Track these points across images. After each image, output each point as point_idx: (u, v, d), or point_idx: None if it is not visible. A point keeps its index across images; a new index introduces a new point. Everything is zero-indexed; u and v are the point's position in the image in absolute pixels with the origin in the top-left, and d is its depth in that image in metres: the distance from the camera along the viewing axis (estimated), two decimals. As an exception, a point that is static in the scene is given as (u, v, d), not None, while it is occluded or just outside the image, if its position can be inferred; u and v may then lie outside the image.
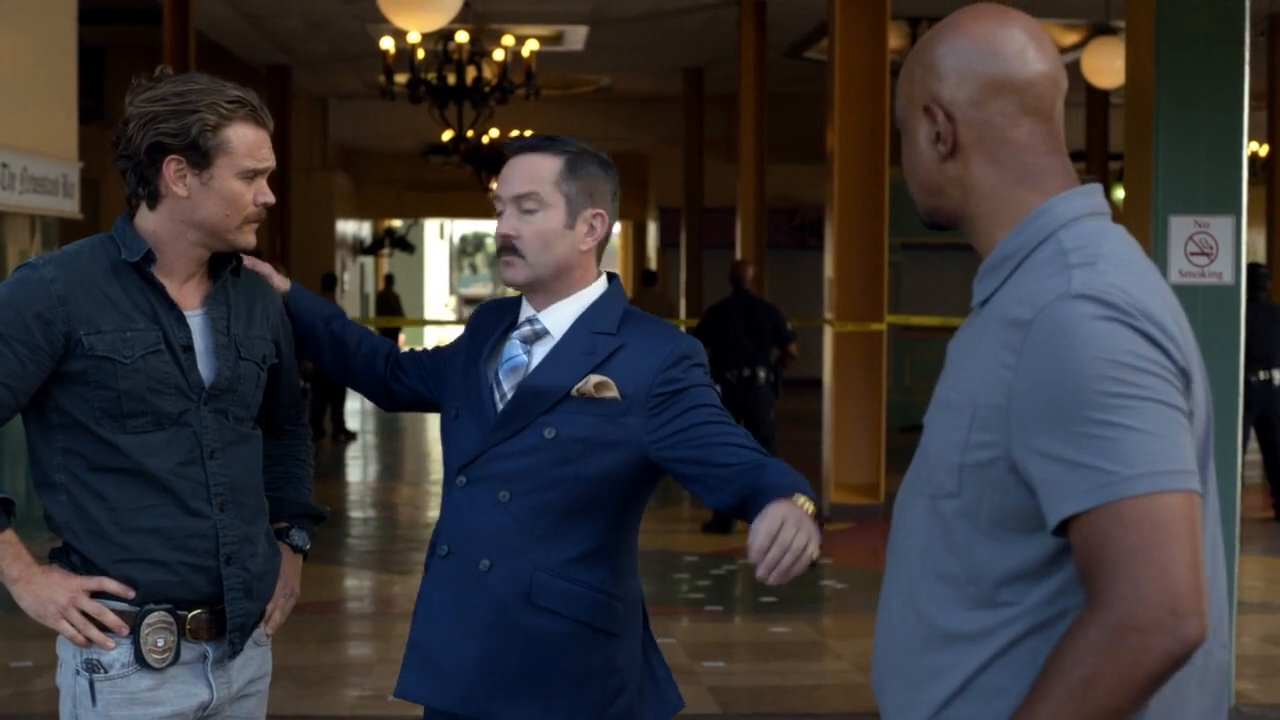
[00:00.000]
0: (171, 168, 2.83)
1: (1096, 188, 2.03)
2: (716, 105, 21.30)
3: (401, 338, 27.51)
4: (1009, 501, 1.89)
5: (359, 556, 10.37)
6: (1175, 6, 6.32)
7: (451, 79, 15.92)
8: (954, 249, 18.77)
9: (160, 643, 2.85)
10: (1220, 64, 6.28)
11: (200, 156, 2.82)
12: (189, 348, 2.87)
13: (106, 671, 2.84)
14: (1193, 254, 6.24)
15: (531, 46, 15.84)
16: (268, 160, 2.89)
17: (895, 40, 15.25)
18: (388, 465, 16.38)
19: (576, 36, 17.81)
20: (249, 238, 2.92)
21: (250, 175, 2.86)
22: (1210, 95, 6.27)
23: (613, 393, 2.85)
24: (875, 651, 2.11)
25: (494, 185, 20.94)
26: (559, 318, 2.95)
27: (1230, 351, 6.32)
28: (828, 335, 11.51)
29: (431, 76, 15.85)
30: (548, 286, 2.96)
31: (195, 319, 2.90)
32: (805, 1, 15.13)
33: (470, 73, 15.90)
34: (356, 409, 21.00)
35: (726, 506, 2.78)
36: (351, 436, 17.48)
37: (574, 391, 2.86)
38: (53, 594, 2.83)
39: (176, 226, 2.87)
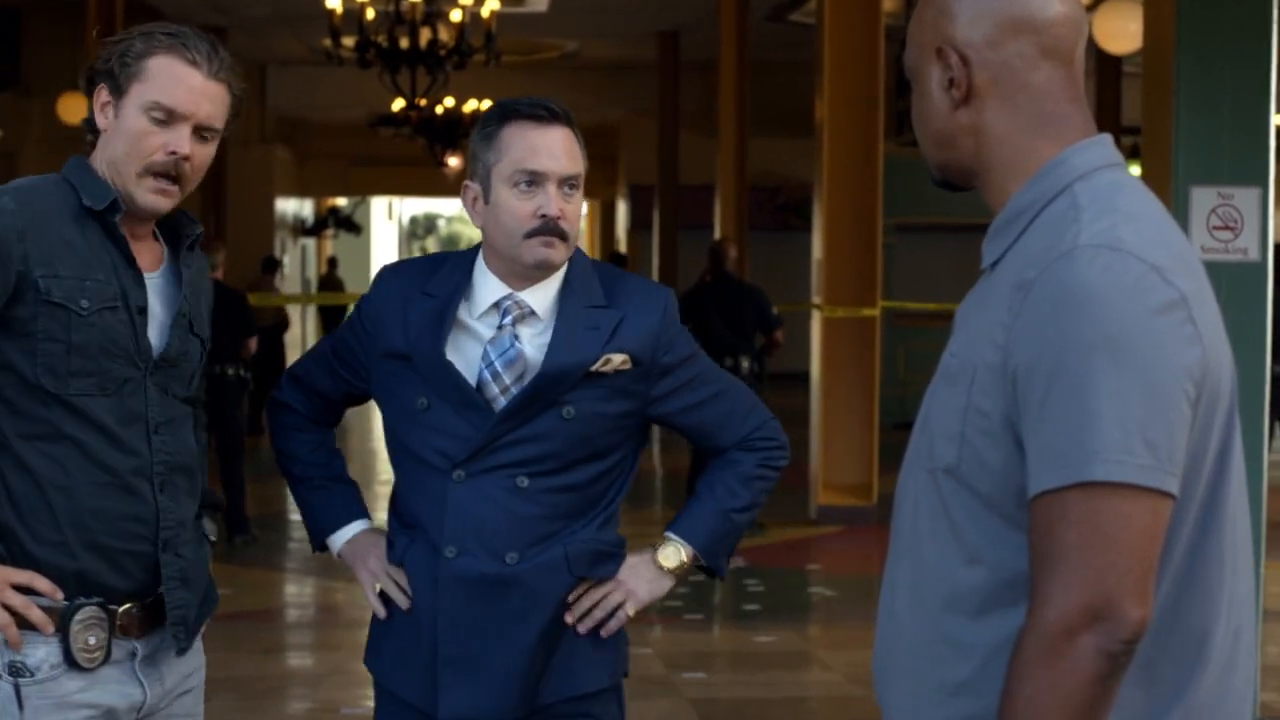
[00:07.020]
0: (100, 96, 2.82)
1: (1108, 137, 2.04)
2: (694, 73, 21.28)
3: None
4: (1010, 474, 1.90)
5: (301, 562, 10.37)
6: (1197, -39, 6.36)
7: (404, 42, 15.87)
8: (951, 230, 18.83)
9: (92, 640, 2.78)
10: (1246, 23, 6.32)
11: (116, 84, 2.80)
12: (144, 310, 2.82)
13: (33, 674, 2.75)
14: (1216, 228, 6.27)
15: (491, 7, 15.82)
16: (187, 105, 2.80)
17: (889, 2, 15.29)
18: (333, 465, 16.32)
19: (541, -4, 17.80)
20: (148, 196, 2.80)
21: (162, 116, 2.79)
22: (1235, 56, 6.30)
23: (627, 364, 3.00)
24: (877, 643, 2.11)
25: (450, 160, 20.51)
26: (541, 297, 3.02)
27: (1255, 336, 6.29)
28: (816, 322, 11.53)
29: (382, 39, 15.79)
30: None
31: (152, 281, 2.86)
32: (791, -41, 15.16)
33: (425, 35, 15.87)
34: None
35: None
36: (293, 434, 17.40)
37: (594, 370, 2.98)
38: None
39: (103, 168, 2.82)
